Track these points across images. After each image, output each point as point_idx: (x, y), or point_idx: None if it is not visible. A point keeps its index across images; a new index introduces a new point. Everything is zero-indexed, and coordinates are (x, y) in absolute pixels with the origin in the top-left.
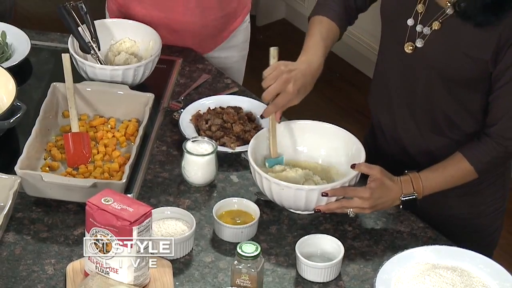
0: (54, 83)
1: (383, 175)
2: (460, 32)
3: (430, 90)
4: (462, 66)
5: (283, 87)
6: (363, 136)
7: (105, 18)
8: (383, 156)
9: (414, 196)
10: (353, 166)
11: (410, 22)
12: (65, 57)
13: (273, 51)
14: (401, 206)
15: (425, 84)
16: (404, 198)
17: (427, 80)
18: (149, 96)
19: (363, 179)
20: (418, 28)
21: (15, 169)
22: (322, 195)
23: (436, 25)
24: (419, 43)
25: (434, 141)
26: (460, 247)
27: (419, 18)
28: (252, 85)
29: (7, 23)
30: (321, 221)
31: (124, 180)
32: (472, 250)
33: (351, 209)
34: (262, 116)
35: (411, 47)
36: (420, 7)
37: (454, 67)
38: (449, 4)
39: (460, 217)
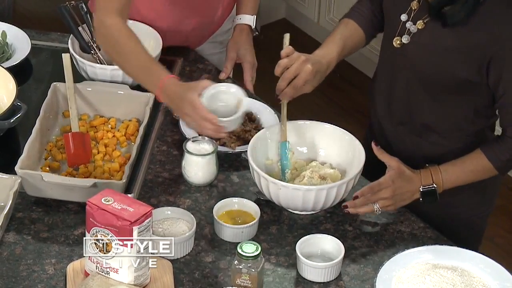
0: (55, 83)
1: (401, 165)
2: (438, 35)
3: (408, 88)
4: (437, 69)
5: (301, 67)
6: (365, 134)
7: None
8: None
9: (434, 188)
10: (375, 144)
11: (403, 17)
12: (65, 57)
13: (286, 37)
14: (421, 199)
15: (404, 80)
16: (423, 189)
17: (406, 76)
18: (150, 96)
19: (363, 177)
20: (408, 24)
21: (15, 169)
22: (354, 199)
23: (420, 25)
24: (405, 39)
25: (413, 142)
26: (456, 242)
27: (412, 15)
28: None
29: (6, 22)
30: (321, 221)
31: (124, 180)
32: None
33: (377, 205)
34: (278, 99)
35: (399, 42)
36: (414, 4)
37: (429, 69)
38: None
39: (462, 219)
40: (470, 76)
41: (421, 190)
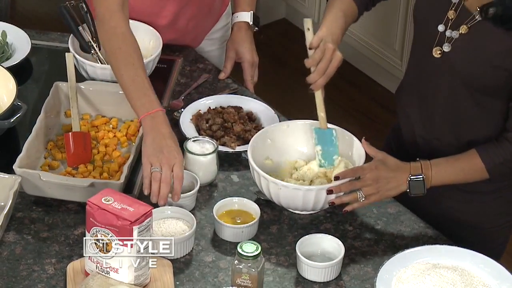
0: (57, 82)
1: (385, 155)
2: (487, 38)
3: (452, 96)
4: (485, 72)
5: (332, 56)
6: (365, 134)
7: None
8: (403, 157)
9: (421, 178)
10: (362, 141)
11: (441, 28)
12: (68, 57)
13: (308, 21)
14: (408, 190)
15: (448, 89)
16: (411, 178)
17: (451, 85)
18: None
19: None
20: (447, 33)
21: (13, 167)
22: (334, 179)
23: (463, 29)
24: (446, 47)
25: (448, 149)
26: (456, 242)
27: (449, 24)
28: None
29: (4, 21)
30: (321, 221)
31: (122, 180)
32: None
33: (361, 192)
34: (311, 90)
35: (439, 52)
36: (451, 13)
37: (477, 72)
38: (478, 9)
39: (465, 224)
40: None
41: (410, 179)
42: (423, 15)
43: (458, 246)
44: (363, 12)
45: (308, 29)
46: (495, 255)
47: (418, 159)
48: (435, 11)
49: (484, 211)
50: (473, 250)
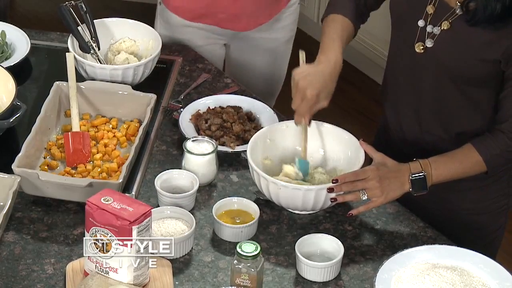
0: (58, 82)
1: (384, 157)
2: (470, 32)
3: (438, 89)
4: (472, 65)
5: (303, 95)
6: (365, 134)
7: (106, 17)
8: (392, 153)
9: (423, 175)
10: (361, 142)
11: (421, 23)
12: (69, 56)
13: (301, 54)
14: (410, 189)
15: (433, 83)
16: (413, 177)
17: (436, 79)
18: (151, 97)
19: None
20: (428, 28)
21: (12, 167)
22: (332, 182)
23: (445, 25)
24: (429, 43)
25: (437, 142)
26: (464, 246)
27: (429, 19)
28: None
29: (4, 21)
30: (321, 221)
31: (120, 180)
32: (475, 249)
33: (364, 192)
34: (296, 124)
35: (422, 47)
36: (430, 8)
37: (463, 66)
38: (458, 3)
39: (463, 213)
40: (501, 62)
41: (411, 178)
42: (401, 10)
43: (458, 246)
44: (360, 26)
45: (302, 60)
46: (493, 241)
47: (414, 159)
48: (413, 7)
49: (480, 198)
50: (475, 245)
